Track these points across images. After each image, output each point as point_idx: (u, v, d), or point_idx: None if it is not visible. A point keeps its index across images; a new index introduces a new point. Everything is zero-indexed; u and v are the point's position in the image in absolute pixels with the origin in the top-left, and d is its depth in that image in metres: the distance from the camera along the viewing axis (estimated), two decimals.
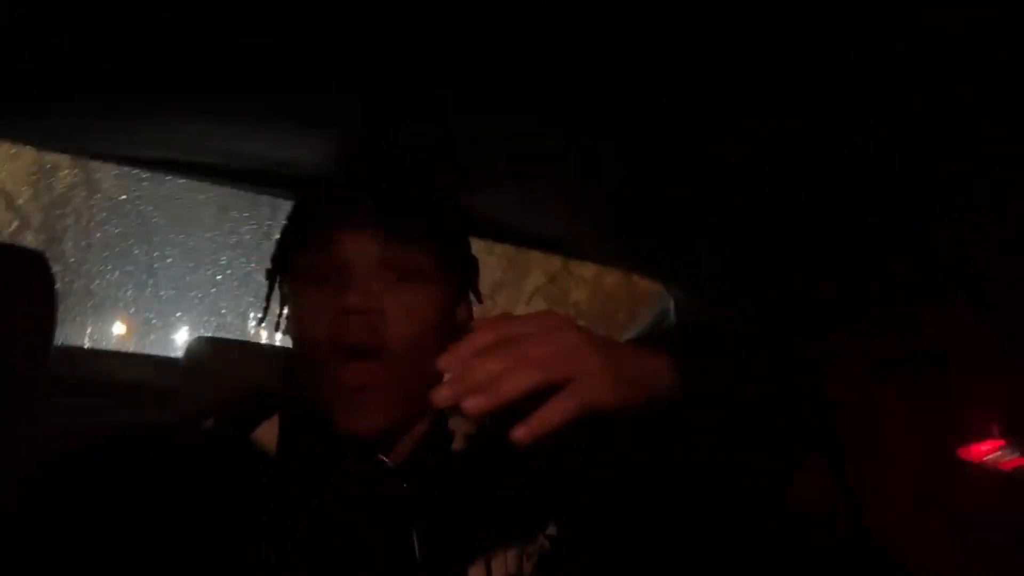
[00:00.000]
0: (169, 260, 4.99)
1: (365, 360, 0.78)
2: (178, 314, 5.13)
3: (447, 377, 0.61)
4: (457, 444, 0.87)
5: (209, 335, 1.19)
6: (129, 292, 4.97)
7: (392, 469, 0.82)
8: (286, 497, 0.76)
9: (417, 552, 0.78)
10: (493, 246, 1.63)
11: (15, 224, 4.70)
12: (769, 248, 1.25)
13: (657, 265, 1.49)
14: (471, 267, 0.92)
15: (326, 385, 0.79)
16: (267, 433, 0.81)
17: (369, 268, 0.81)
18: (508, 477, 0.85)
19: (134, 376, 1.41)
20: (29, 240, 4.59)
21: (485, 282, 1.00)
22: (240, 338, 2.97)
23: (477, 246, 0.95)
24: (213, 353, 1.14)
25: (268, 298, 0.90)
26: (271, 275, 0.90)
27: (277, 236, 0.90)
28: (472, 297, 0.94)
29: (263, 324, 0.93)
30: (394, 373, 0.79)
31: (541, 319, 0.64)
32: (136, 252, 4.96)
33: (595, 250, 1.49)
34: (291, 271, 0.86)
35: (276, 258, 0.89)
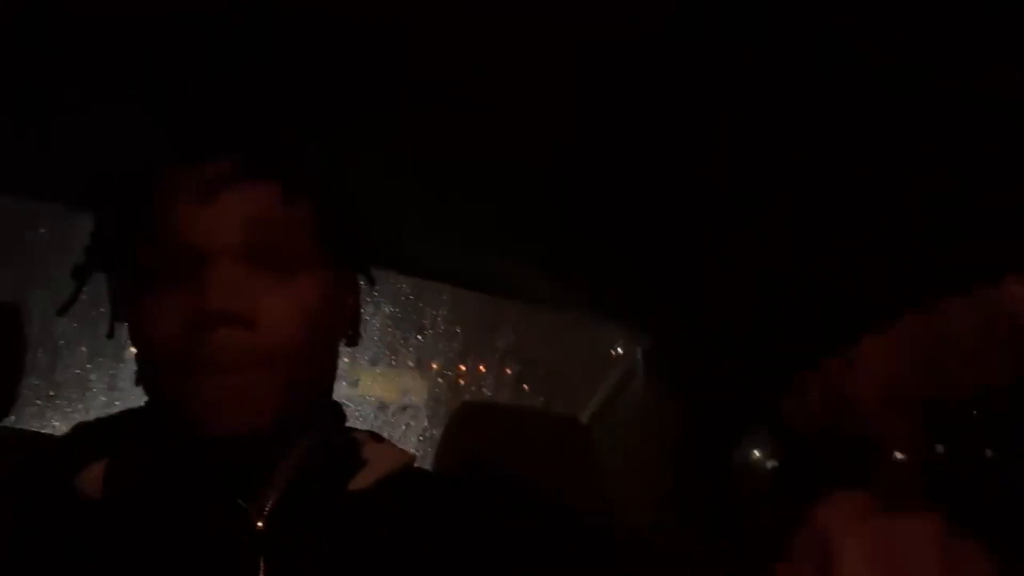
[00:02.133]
0: None
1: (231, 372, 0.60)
2: None
3: None
4: (360, 482, 0.67)
5: None
6: None
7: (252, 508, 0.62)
8: (112, 544, 0.59)
9: None
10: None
11: None
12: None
13: (623, 311, 1.34)
14: (357, 240, 0.72)
15: (182, 394, 0.61)
16: (91, 476, 0.62)
17: (232, 258, 0.61)
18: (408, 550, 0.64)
19: None
20: None
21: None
22: None
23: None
24: None
25: (70, 303, 0.68)
26: (83, 273, 0.67)
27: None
28: (362, 281, 0.75)
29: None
30: (271, 375, 0.62)
31: (918, 523, 0.43)
32: None
33: (550, 292, 1.32)
34: (122, 268, 0.66)
35: (95, 251, 0.67)
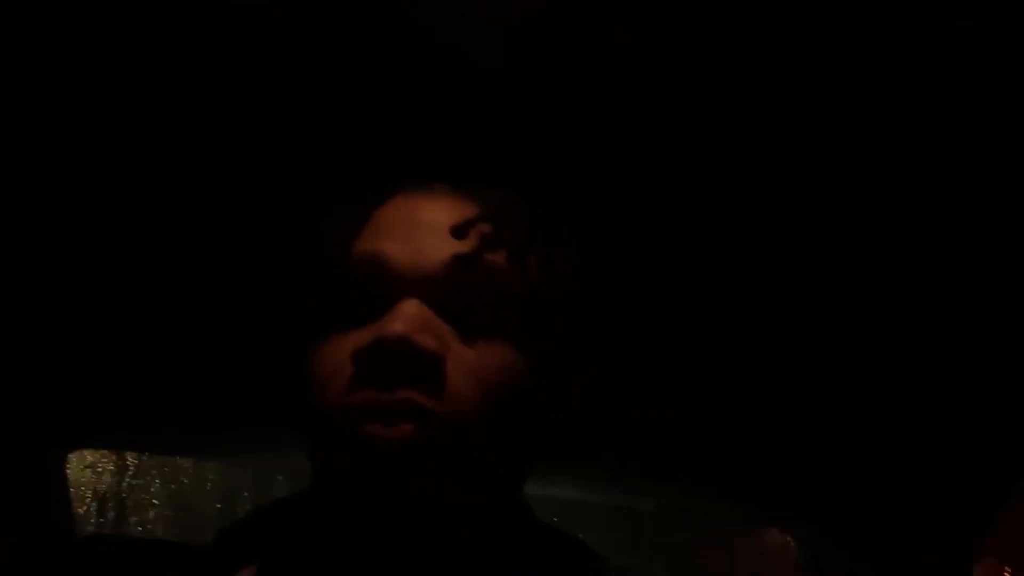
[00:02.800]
0: None
1: (408, 420, 0.52)
2: None
3: None
4: None
5: None
6: None
7: None
8: None
9: None
10: None
11: None
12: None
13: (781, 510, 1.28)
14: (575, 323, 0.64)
15: (342, 462, 0.53)
16: None
17: (430, 295, 0.56)
18: None
19: None
20: None
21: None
22: None
23: None
24: None
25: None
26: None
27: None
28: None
29: None
30: (451, 442, 0.53)
31: None
32: None
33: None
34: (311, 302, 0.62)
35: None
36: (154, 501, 4.47)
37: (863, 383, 0.91)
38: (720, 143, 0.71)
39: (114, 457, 4.22)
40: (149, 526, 4.43)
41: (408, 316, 0.54)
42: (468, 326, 0.57)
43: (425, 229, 0.59)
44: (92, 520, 4.19)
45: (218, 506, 4.46)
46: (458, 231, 0.58)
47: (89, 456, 4.06)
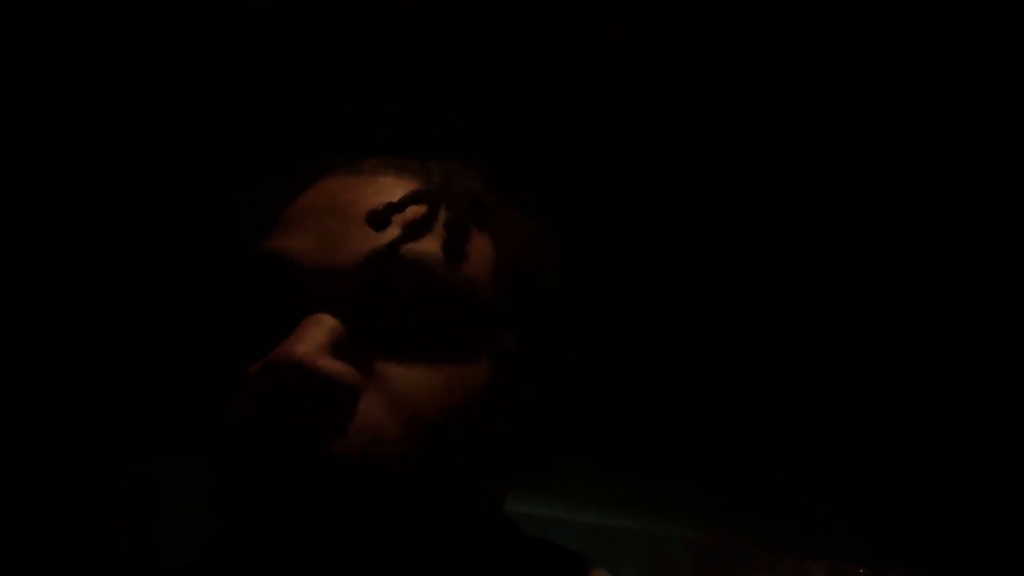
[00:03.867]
0: None
1: (303, 469, 0.42)
2: None
3: None
4: None
5: None
6: None
7: None
8: None
9: None
10: None
11: None
12: None
13: None
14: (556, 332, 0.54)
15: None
16: None
17: (345, 307, 0.46)
18: None
19: None
20: None
21: None
22: None
23: None
24: None
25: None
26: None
27: None
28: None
29: None
30: (361, 494, 0.42)
31: None
32: None
33: None
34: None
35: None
36: None
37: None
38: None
39: None
40: None
41: (308, 336, 0.43)
42: (398, 339, 0.46)
43: (341, 219, 0.48)
44: None
45: None
46: (375, 219, 0.47)
47: None
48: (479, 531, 0.51)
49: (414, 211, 0.48)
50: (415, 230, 0.48)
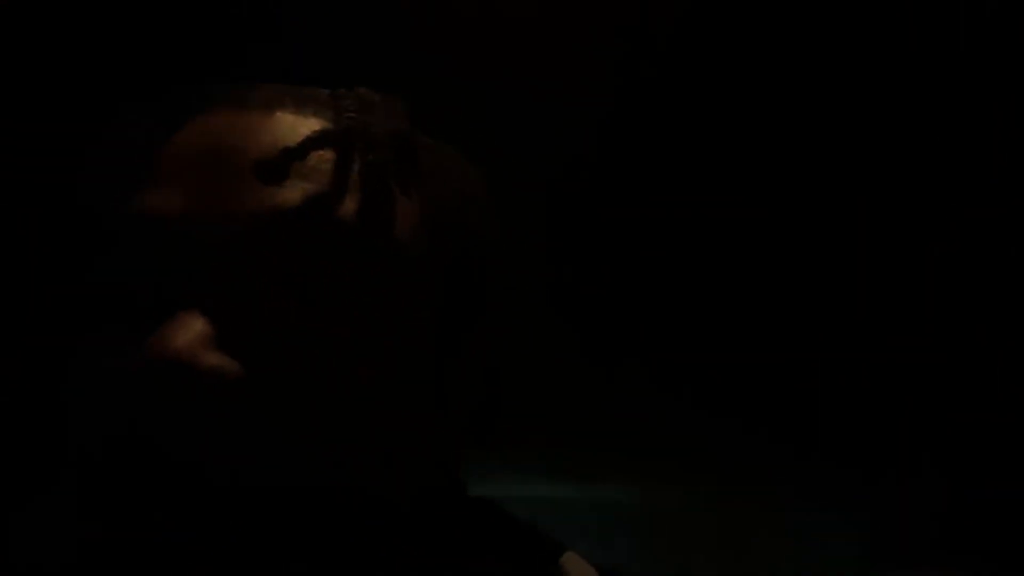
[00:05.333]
0: None
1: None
2: None
3: None
4: None
5: None
6: None
7: None
8: None
9: None
10: None
11: None
12: None
13: None
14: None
15: None
16: None
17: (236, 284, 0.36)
18: None
19: None
20: None
21: None
22: None
23: None
24: None
25: None
26: None
27: None
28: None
29: None
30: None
31: None
32: None
33: None
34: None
35: None
36: None
37: None
38: None
39: None
40: None
41: (185, 326, 0.34)
42: (298, 319, 0.37)
43: (223, 169, 0.37)
44: None
45: None
46: (268, 170, 0.37)
47: None
48: (423, 515, 0.43)
49: (320, 158, 0.38)
50: (322, 181, 0.38)
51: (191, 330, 0.34)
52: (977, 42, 0.60)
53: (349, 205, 0.38)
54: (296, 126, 0.39)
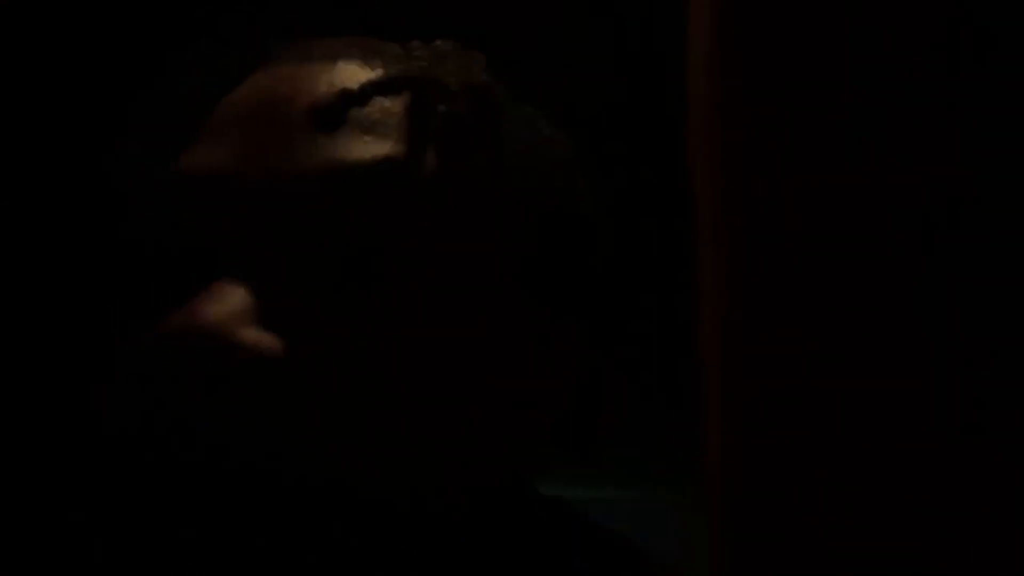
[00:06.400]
0: None
1: None
2: None
3: None
4: None
5: None
6: None
7: None
8: None
9: None
10: None
11: None
12: None
13: None
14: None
15: None
16: None
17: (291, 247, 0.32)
18: None
19: None
20: None
21: None
22: None
23: None
24: None
25: None
26: None
27: None
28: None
29: None
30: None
31: None
32: None
33: None
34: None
35: None
36: None
37: None
38: None
39: None
40: None
41: (224, 298, 0.30)
42: (362, 293, 0.32)
43: (277, 121, 0.33)
44: None
45: None
46: (324, 116, 0.32)
47: None
48: (496, 517, 0.38)
49: (385, 108, 0.33)
50: (388, 135, 0.32)
51: (229, 302, 0.30)
52: None
53: (421, 163, 0.33)
54: (359, 75, 0.34)
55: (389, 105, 0.33)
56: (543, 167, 0.39)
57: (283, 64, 0.36)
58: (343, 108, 0.32)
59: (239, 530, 0.30)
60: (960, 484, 0.17)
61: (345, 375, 0.31)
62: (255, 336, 0.29)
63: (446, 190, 0.33)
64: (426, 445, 0.33)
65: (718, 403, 0.19)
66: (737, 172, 0.20)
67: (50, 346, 0.42)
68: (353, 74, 0.34)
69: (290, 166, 0.32)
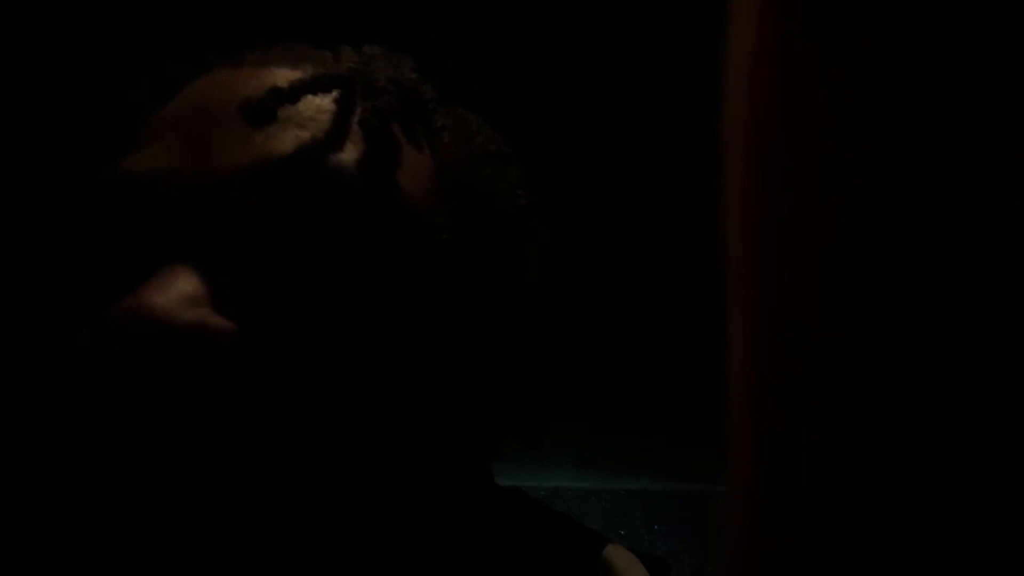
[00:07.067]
0: None
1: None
2: None
3: None
4: None
5: None
6: None
7: None
8: None
9: None
10: None
11: None
12: None
13: None
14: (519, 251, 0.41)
15: None
16: None
17: (212, 244, 0.33)
18: None
19: None
20: None
21: None
22: None
23: None
24: None
25: None
26: None
27: None
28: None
29: None
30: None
31: None
32: None
33: None
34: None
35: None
36: None
37: None
38: None
39: None
40: None
41: (168, 283, 0.31)
42: (296, 281, 0.33)
43: (212, 120, 0.34)
44: None
45: None
46: (254, 111, 0.33)
47: None
48: (452, 507, 0.39)
49: (315, 105, 0.35)
50: (317, 129, 0.34)
51: (172, 288, 0.30)
52: None
53: (348, 154, 0.34)
54: (290, 76, 0.36)
55: (320, 102, 0.35)
56: (474, 161, 0.40)
57: (216, 71, 0.38)
58: (274, 104, 0.33)
59: (187, 512, 0.30)
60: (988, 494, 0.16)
61: (288, 360, 0.32)
62: (195, 315, 0.30)
63: (377, 181, 0.34)
64: (370, 433, 0.33)
65: (744, 396, 0.19)
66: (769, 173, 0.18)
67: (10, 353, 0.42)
68: (284, 75, 0.36)
69: (223, 161, 0.33)
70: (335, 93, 0.35)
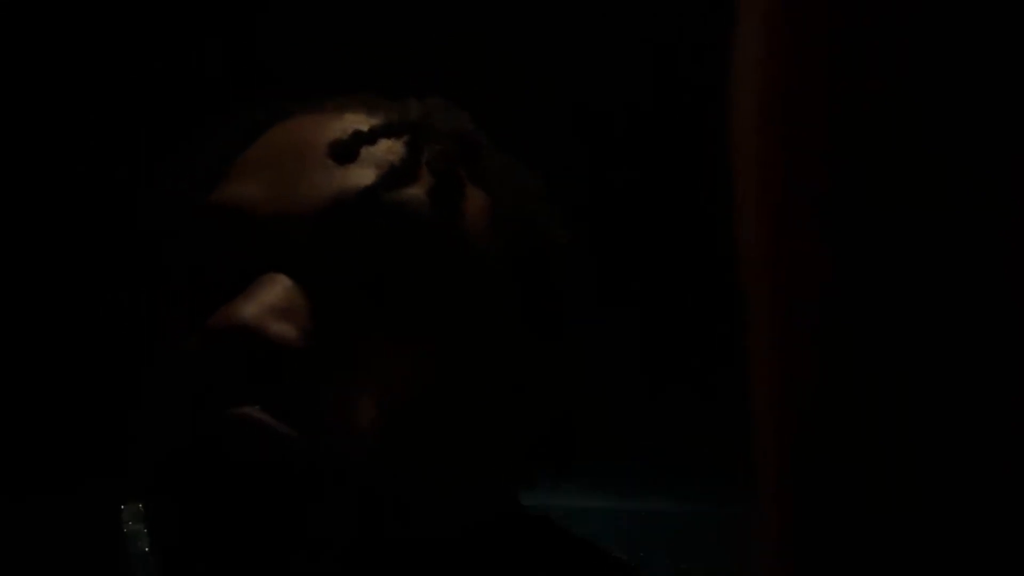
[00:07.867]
0: None
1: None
2: None
3: None
4: None
5: None
6: None
7: None
8: None
9: None
10: None
11: None
12: None
13: None
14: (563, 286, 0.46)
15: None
16: None
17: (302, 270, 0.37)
18: None
19: None
20: None
21: None
22: None
23: None
24: None
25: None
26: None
27: None
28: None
29: None
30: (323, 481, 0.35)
31: None
32: None
33: None
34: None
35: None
36: None
37: None
38: None
39: None
40: None
41: (257, 297, 0.35)
42: (373, 303, 0.38)
43: (299, 159, 0.39)
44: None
45: None
46: (340, 151, 0.38)
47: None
48: (482, 531, 0.42)
49: (389, 147, 0.40)
50: (391, 168, 0.39)
51: (261, 300, 0.35)
52: None
53: (418, 189, 0.39)
54: (367, 122, 0.41)
55: (393, 145, 0.40)
56: (520, 200, 0.45)
57: (298, 117, 0.43)
58: (356, 145, 0.39)
59: (248, 513, 0.33)
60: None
61: (364, 367, 0.36)
62: (283, 327, 0.34)
63: (443, 213, 0.39)
64: (418, 452, 0.37)
65: (768, 418, 0.19)
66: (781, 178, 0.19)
67: (93, 363, 0.47)
68: (361, 120, 0.41)
69: (311, 191, 0.38)
70: (406, 137, 0.40)
